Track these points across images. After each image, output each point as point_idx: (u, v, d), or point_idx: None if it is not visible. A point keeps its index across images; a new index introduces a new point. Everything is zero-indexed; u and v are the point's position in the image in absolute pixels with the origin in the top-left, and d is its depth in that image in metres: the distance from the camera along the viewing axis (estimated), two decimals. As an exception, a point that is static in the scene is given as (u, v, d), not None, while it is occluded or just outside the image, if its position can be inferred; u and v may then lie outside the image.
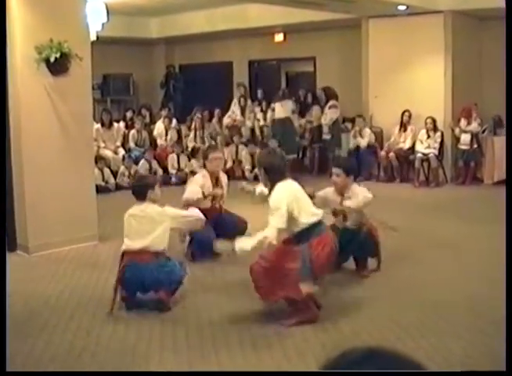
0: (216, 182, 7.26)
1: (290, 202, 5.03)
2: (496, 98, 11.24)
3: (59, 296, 6.00)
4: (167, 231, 5.60)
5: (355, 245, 6.32)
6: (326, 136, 13.41)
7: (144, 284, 5.52)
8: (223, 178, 7.47)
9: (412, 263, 6.93)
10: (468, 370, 1.03)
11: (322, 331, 5.10)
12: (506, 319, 4.05)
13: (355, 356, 1.15)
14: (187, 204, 6.57)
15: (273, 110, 13.59)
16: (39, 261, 7.23)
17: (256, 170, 12.92)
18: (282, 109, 13.32)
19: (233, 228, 6.87)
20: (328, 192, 6.45)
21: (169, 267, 5.57)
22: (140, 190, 5.71)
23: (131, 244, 5.54)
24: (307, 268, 5.04)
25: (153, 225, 5.53)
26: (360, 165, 11.92)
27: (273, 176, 5.21)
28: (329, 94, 13.49)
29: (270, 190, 5.22)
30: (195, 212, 6.00)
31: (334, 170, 6.36)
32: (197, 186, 7.08)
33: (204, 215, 6.12)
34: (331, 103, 13.37)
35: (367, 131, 13.09)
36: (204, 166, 7.37)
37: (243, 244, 5.00)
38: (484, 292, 5.96)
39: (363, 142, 12.97)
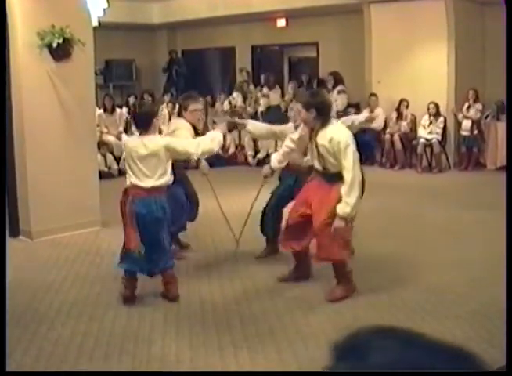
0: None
1: None
2: (499, 83, 11.17)
3: (62, 281, 6.03)
4: (169, 164, 5.34)
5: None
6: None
7: (153, 219, 5.24)
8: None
9: (413, 248, 6.96)
10: (468, 371, 1.04)
11: (324, 316, 5.13)
12: (506, 321, 4.05)
13: (366, 334, 1.13)
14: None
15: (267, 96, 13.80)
16: (42, 246, 7.26)
17: (260, 154, 13.15)
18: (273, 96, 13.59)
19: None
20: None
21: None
22: (145, 119, 5.34)
23: (138, 182, 5.23)
24: None
25: (158, 160, 5.22)
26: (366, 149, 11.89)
27: (326, 116, 5.32)
28: (339, 79, 13.49)
29: (316, 132, 5.29)
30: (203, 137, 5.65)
31: (295, 106, 5.97)
32: (188, 133, 6.40)
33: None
34: (340, 87, 13.38)
35: (380, 110, 12.95)
36: (180, 116, 6.73)
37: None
38: (485, 276, 5.99)
39: (378, 123, 12.87)
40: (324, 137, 5.26)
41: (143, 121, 5.33)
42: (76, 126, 7.71)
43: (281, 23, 15.78)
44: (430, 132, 12.41)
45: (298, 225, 5.59)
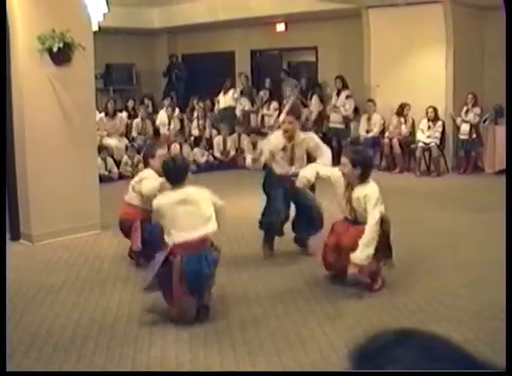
0: None
1: None
2: (498, 87, 11.22)
3: (62, 285, 6.05)
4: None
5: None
6: (341, 126, 13.53)
7: (203, 277, 5.04)
8: None
9: (412, 251, 6.97)
10: (468, 371, 1.04)
11: (324, 319, 5.15)
12: (506, 321, 4.08)
13: (387, 338, 1.11)
14: (147, 200, 6.14)
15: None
16: (42, 250, 7.28)
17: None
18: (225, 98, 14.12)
19: None
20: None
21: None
22: (181, 174, 5.19)
23: (186, 235, 4.96)
24: None
25: (202, 209, 5.06)
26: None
27: (367, 175, 5.73)
28: (346, 83, 13.56)
29: (353, 187, 5.70)
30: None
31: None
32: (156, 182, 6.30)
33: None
34: (348, 92, 13.44)
35: (377, 117, 13.06)
36: (147, 165, 6.68)
37: None
38: (484, 279, 6.01)
39: (374, 131, 13.04)
40: (361, 192, 5.68)
41: (179, 177, 5.19)
42: (76, 130, 7.73)
43: (280, 27, 15.83)
44: (428, 136, 12.44)
45: (336, 252, 5.89)
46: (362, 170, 5.67)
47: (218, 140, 13.85)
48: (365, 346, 1.11)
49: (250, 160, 6.70)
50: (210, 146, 13.92)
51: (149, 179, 6.26)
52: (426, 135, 12.47)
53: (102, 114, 13.15)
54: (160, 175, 6.14)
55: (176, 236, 4.95)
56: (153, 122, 14.35)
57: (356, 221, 5.79)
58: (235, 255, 6.75)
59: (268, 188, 6.68)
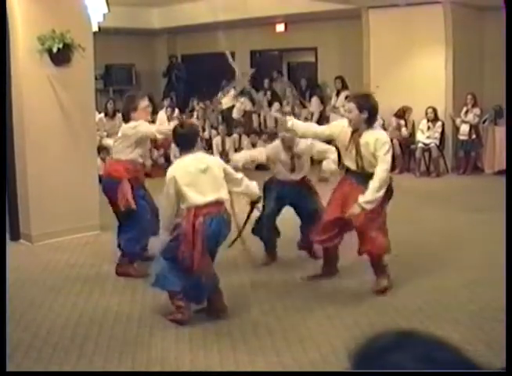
0: None
1: None
2: (497, 88, 11.22)
3: (62, 285, 6.06)
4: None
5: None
6: None
7: (222, 238, 5.14)
8: None
9: (412, 251, 6.98)
10: (468, 371, 1.04)
11: (323, 319, 5.16)
12: (506, 320, 4.08)
13: (387, 340, 1.11)
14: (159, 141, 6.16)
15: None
16: (42, 250, 7.29)
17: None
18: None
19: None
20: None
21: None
22: (192, 139, 5.20)
23: (207, 198, 4.96)
24: None
25: (215, 174, 5.07)
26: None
27: (374, 119, 5.68)
28: (346, 84, 13.54)
29: (360, 133, 5.56)
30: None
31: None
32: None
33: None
34: (348, 93, 13.42)
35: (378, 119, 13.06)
36: (128, 120, 6.34)
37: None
38: (484, 279, 6.01)
39: None
40: (370, 137, 5.53)
41: (190, 142, 5.18)
42: (76, 130, 7.74)
43: (280, 28, 15.82)
44: (428, 137, 12.45)
45: (333, 223, 5.77)
46: (369, 114, 5.58)
47: (216, 141, 13.85)
48: (364, 348, 1.12)
49: (237, 156, 6.63)
50: (209, 146, 13.92)
51: (145, 124, 6.20)
52: (425, 136, 12.47)
53: (102, 115, 13.15)
54: None
55: (197, 198, 4.94)
56: (153, 122, 14.31)
57: (363, 171, 5.61)
58: (234, 255, 6.74)
59: (266, 191, 6.64)
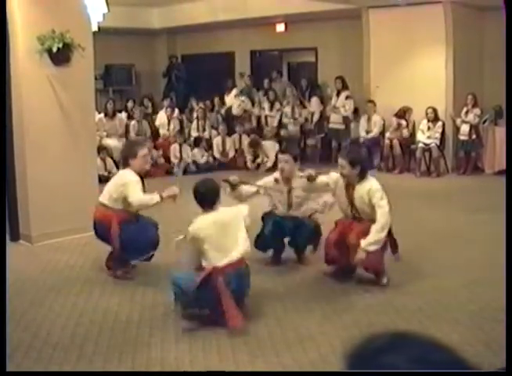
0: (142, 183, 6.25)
1: None
2: (498, 88, 11.22)
3: (62, 285, 6.05)
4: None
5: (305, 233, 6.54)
6: (340, 126, 13.55)
7: (243, 294, 5.19)
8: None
9: (412, 251, 6.97)
10: (469, 371, 1.04)
11: (323, 319, 5.15)
12: (506, 320, 4.08)
13: (382, 341, 1.11)
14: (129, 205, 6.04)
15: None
16: (42, 250, 7.28)
17: (259, 158, 13.24)
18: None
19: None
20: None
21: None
22: (213, 196, 5.16)
23: (224, 257, 4.97)
24: None
25: (239, 229, 5.10)
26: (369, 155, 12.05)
27: (366, 172, 5.88)
28: (346, 84, 13.56)
29: (353, 186, 5.83)
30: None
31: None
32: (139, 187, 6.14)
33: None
34: (348, 93, 13.45)
35: (377, 118, 13.09)
36: (127, 165, 6.26)
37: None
38: (484, 279, 6.01)
39: (374, 131, 13.05)
40: (363, 189, 5.81)
41: (210, 201, 5.13)
42: (76, 130, 7.74)
43: (280, 28, 15.82)
44: (428, 137, 12.45)
45: (338, 247, 5.95)
46: (361, 168, 5.82)
47: (217, 141, 13.86)
48: (359, 349, 1.12)
49: (229, 188, 6.34)
50: (210, 146, 13.92)
51: (134, 186, 6.01)
52: (426, 136, 12.47)
53: (102, 115, 13.16)
54: (140, 176, 6.14)
55: (216, 260, 4.93)
56: (153, 123, 14.35)
57: (358, 217, 5.93)
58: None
59: (265, 216, 6.65)
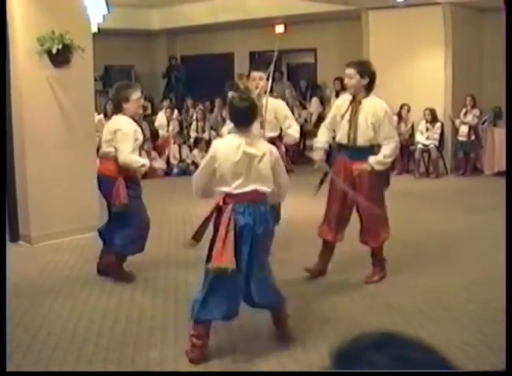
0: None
1: None
2: (496, 89, 11.24)
3: (62, 286, 6.05)
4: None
5: None
6: None
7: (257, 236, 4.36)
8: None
9: (411, 251, 6.98)
10: (469, 371, 1.03)
11: (323, 320, 5.15)
12: (506, 320, 4.08)
13: (369, 340, 1.12)
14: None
15: None
16: (42, 251, 7.28)
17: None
18: None
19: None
20: None
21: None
22: (250, 115, 4.41)
23: (241, 184, 4.32)
24: None
25: (264, 166, 4.39)
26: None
27: (372, 86, 5.81)
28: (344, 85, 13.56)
29: (359, 101, 5.70)
30: None
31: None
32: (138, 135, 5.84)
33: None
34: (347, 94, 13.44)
35: None
36: (119, 110, 5.87)
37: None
38: (483, 280, 6.02)
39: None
40: (370, 104, 5.63)
41: (244, 119, 4.42)
42: (75, 132, 7.74)
43: (279, 29, 15.82)
44: (427, 138, 12.46)
45: (337, 217, 5.88)
46: (370, 79, 5.67)
47: (216, 141, 13.84)
48: (346, 347, 1.14)
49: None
50: (209, 147, 13.90)
51: (127, 137, 5.65)
52: (425, 137, 12.49)
53: (101, 116, 13.14)
54: (135, 121, 5.84)
55: (232, 186, 4.32)
56: (152, 124, 14.36)
57: (354, 144, 5.64)
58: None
59: None
